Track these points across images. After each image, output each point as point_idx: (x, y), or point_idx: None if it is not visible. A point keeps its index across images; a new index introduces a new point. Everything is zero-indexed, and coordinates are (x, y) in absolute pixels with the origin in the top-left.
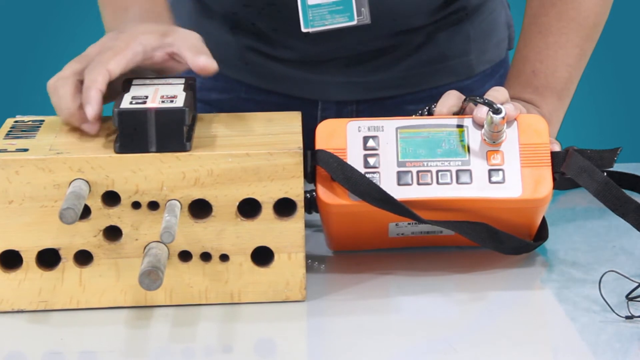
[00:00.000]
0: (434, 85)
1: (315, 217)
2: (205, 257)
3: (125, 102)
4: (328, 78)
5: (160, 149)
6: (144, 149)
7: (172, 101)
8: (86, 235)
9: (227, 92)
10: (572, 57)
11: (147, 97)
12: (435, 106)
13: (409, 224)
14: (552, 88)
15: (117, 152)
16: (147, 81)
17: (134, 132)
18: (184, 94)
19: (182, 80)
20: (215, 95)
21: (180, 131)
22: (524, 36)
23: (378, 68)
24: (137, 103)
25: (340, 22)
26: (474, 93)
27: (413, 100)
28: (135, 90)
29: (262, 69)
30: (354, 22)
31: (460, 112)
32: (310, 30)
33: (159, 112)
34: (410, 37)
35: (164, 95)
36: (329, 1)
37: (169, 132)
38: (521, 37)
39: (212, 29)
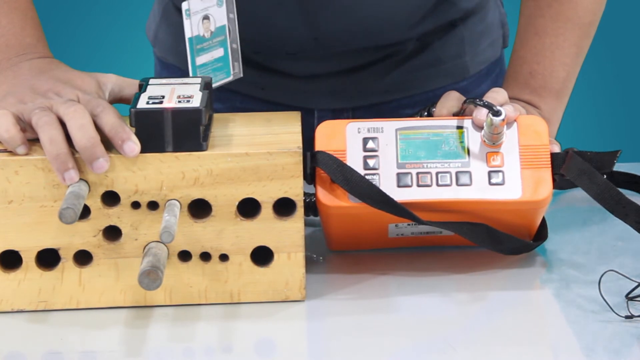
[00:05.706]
0: (430, 89)
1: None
2: (205, 257)
3: (142, 102)
4: (322, 88)
5: (176, 149)
6: (161, 149)
7: (188, 101)
8: (86, 235)
9: (222, 102)
10: (569, 56)
11: (163, 97)
12: (434, 107)
13: (408, 224)
14: (551, 88)
15: None
16: (164, 81)
17: (151, 132)
18: (200, 93)
19: (199, 80)
20: None
21: (197, 131)
22: (520, 37)
23: (371, 76)
24: (153, 103)
25: (220, 80)
26: (470, 94)
27: (409, 104)
28: (152, 90)
29: (256, 80)
30: (230, 78)
31: (460, 113)
32: None
33: (176, 112)
34: (402, 47)
35: (180, 95)
36: (212, 59)
37: (185, 132)
38: (517, 38)
39: None
